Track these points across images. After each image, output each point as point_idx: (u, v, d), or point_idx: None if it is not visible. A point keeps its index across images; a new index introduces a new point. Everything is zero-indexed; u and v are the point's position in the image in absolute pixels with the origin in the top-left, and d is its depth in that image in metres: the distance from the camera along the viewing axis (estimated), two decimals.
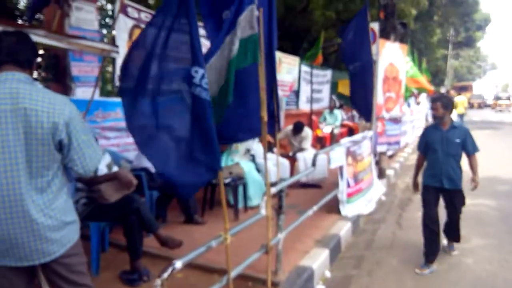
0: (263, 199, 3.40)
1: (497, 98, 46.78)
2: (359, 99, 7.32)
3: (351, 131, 11.94)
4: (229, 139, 3.71)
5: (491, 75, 77.34)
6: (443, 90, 40.17)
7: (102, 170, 4.15)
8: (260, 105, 3.21)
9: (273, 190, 3.62)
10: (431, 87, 15.23)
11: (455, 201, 4.50)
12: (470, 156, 4.44)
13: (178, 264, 2.38)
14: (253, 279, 3.76)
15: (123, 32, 5.53)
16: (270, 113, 3.48)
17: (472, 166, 4.48)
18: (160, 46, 2.66)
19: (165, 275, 2.28)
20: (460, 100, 18.32)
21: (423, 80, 15.26)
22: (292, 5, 17.01)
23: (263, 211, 3.37)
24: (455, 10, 32.69)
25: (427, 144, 4.54)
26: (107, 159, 4.31)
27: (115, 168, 4.34)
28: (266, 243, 3.56)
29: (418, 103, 17.70)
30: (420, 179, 4.75)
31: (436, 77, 46.02)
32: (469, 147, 4.40)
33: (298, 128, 7.73)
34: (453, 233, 4.75)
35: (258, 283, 3.71)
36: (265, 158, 3.54)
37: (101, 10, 5.65)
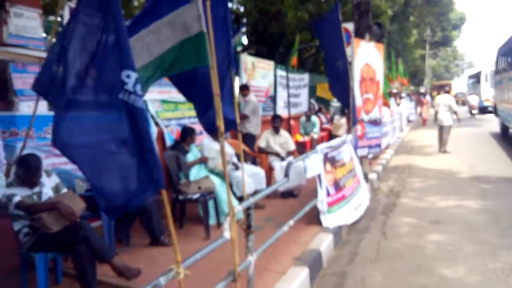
0: (226, 220, 2.97)
1: None
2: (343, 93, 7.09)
3: (332, 135, 11.62)
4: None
5: (469, 73, 78.49)
6: (422, 89, 40.37)
7: (47, 193, 3.68)
8: (216, 113, 2.79)
9: (238, 208, 3.19)
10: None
11: None
12: None
13: None
14: None
15: None
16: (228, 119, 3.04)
17: None
18: (81, 48, 2.24)
19: None
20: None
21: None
22: (265, 9, 16.70)
23: (226, 234, 2.94)
24: (431, 10, 32.78)
25: None
26: (53, 180, 3.82)
27: (64, 190, 3.86)
28: (234, 270, 3.12)
29: (398, 104, 17.48)
30: None
31: (415, 77, 46.27)
32: None
33: (276, 118, 7.52)
34: None
35: None
36: (224, 172, 3.10)
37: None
